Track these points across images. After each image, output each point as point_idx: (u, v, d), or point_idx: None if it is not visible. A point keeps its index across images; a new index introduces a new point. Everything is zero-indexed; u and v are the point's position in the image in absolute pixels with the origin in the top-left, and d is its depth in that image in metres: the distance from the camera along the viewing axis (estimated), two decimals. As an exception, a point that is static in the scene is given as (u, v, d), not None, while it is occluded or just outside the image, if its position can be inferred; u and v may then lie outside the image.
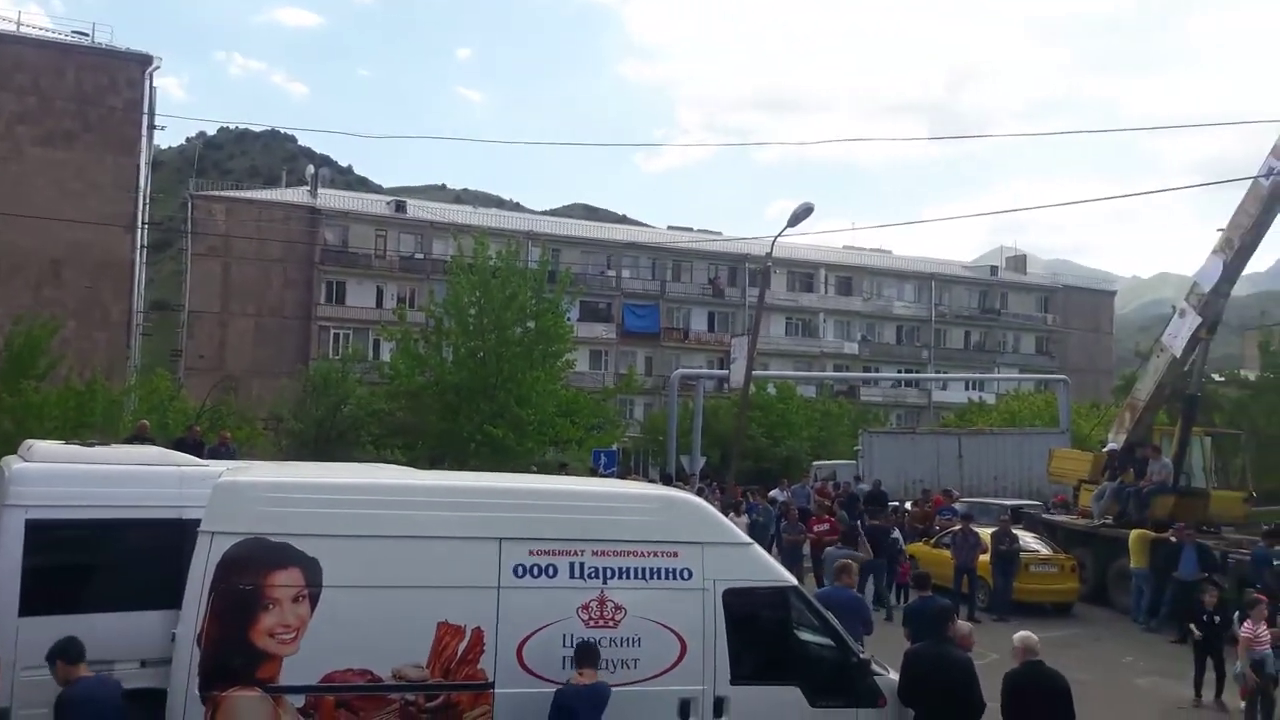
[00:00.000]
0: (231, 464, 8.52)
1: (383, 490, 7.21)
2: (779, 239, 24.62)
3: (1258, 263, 23.02)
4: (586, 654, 6.63)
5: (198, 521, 6.62)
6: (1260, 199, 18.33)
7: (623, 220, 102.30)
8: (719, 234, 70.28)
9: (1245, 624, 11.42)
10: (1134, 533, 17.84)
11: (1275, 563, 15.68)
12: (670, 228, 75.19)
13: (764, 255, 26.48)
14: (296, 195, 57.60)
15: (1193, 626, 12.55)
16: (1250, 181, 18.74)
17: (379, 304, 53.70)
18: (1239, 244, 18.84)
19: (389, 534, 6.71)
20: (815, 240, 68.90)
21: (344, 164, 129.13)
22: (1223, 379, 45.15)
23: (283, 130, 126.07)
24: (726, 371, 33.03)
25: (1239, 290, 22.13)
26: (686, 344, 61.02)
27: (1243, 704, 11.40)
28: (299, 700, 6.37)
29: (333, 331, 53.35)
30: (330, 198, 59.15)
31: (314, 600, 6.46)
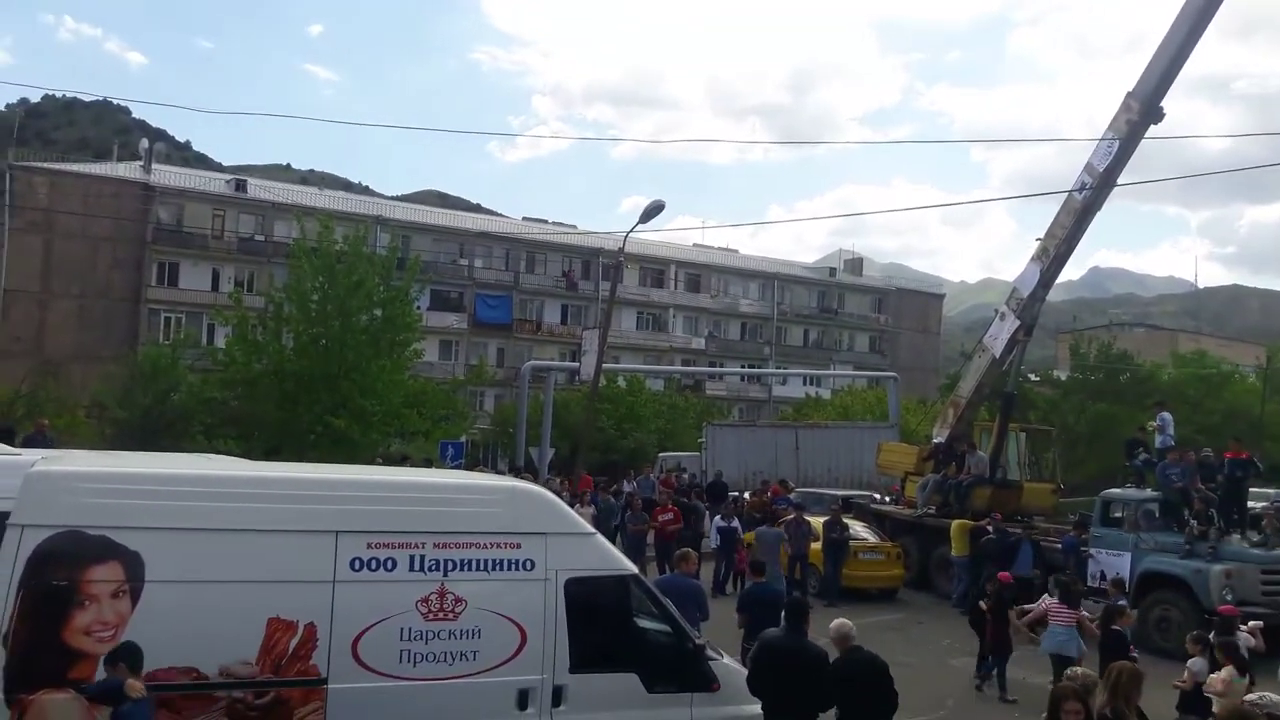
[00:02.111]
0: (47, 453, 8.03)
1: (211, 481, 6.92)
2: (631, 234, 24.91)
3: (1071, 271, 24.81)
4: None
5: (6, 514, 6.24)
6: (1074, 211, 19.59)
7: (477, 209, 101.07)
8: (574, 227, 70.36)
9: (1045, 600, 12.50)
10: (955, 523, 18.96)
11: (1082, 550, 17.01)
12: (525, 219, 74.85)
13: (617, 250, 26.75)
14: (128, 170, 54.36)
15: (982, 604, 13.42)
16: (1066, 195, 20.09)
17: (215, 287, 51.21)
18: (1055, 253, 20.06)
19: (217, 527, 6.49)
20: (667, 237, 70.22)
21: (181, 139, 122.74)
22: (1037, 379, 48.54)
23: (116, 101, 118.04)
24: (578, 364, 33.20)
25: (1054, 296, 23.78)
26: (539, 336, 60.90)
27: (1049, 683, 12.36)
28: (117, 701, 6.10)
29: (164, 315, 50.64)
30: (165, 174, 56.03)
31: (135, 596, 6.19)
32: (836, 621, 7.83)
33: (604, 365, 27.47)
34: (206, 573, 6.40)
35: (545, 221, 73.40)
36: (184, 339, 37.85)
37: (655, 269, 66.07)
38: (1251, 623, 11.18)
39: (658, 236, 65.99)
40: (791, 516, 19.41)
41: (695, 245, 71.80)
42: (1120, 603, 11.95)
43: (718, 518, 20.66)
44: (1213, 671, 9.19)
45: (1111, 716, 6.39)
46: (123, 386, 29.65)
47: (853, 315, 73.96)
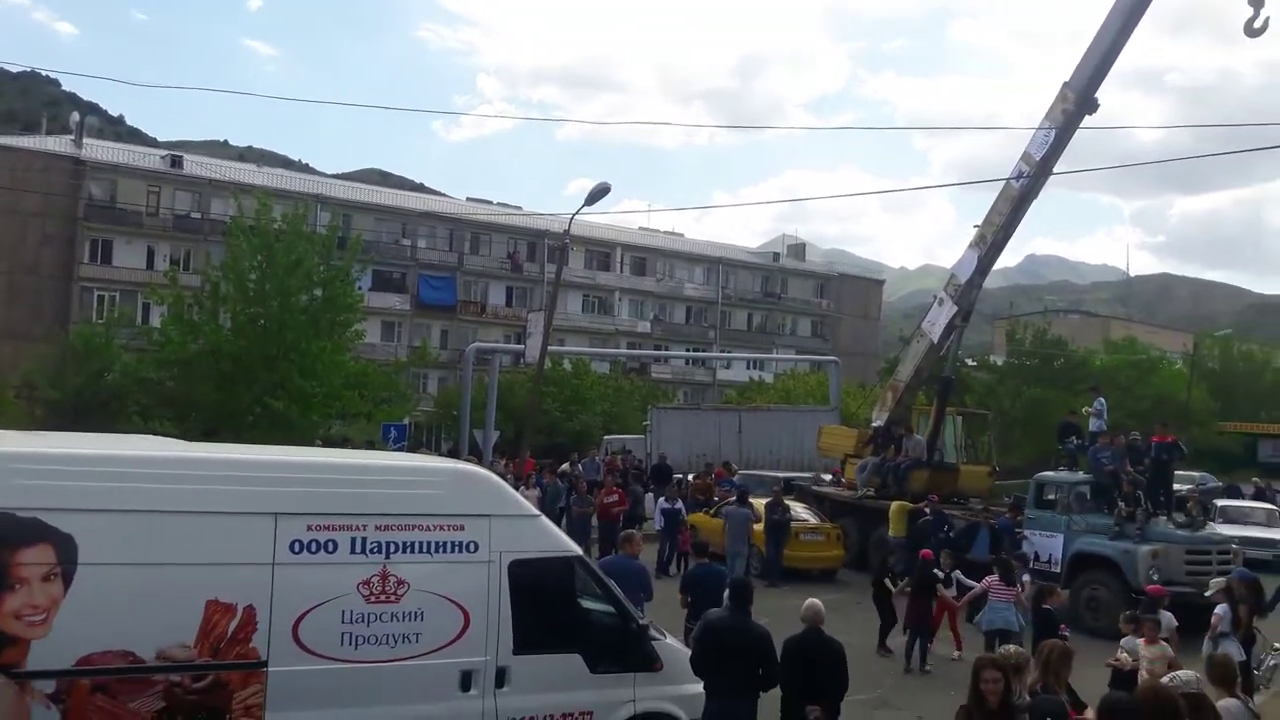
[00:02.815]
0: (-27, 435, 7.81)
1: (146, 462, 6.78)
2: (577, 217, 24.82)
3: (1008, 258, 25.28)
4: None
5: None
6: (1011, 199, 19.93)
7: (420, 189, 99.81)
8: (519, 208, 69.96)
9: (987, 578, 13.07)
10: (893, 504, 19.30)
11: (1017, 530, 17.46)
12: (469, 199, 74.15)
13: (562, 232, 26.65)
14: (58, 144, 52.68)
15: (888, 582, 13.94)
16: (1003, 183, 20.42)
17: (150, 265, 49.98)
18: (992, 240, 20.42)
19: (153, 508, 6.37)
20: (613, 220, 70.19)
21: (114, 113, 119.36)
22: (974, 364, 49.47)
23: (45, 73, 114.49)
24: (523, 346, 33.08)
25: (991, 283, 24.18)
26: (484, 318, 60.44)
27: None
28: (48, 685, 5.98)
29: (96, 293, 49.32)
30: (97, 149, 54.39)
31: (68, 579, 6.06)
32: (811, 601, 7.91)
33: (549, 348, 27.40)
34: (142, 555, 6.29)
35: (490, 202, 72.85)
36: (118, 318, 36.91)
37: (601, 252, 65.94)
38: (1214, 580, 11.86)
39: (604, 219, 65.90)
40: (735, 498, 19.63)
41: (641, 229, 71.80)
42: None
43: (662, 499, 20.79)
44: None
45: (1042, 692, 6.61)
46: (54, 366, 28.87)
47: (795, 300, 74.66)
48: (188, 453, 7.60)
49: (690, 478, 25.15)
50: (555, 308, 27.78)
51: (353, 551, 6.81)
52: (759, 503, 19.26)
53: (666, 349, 64.36)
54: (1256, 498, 29.55)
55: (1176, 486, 18.87)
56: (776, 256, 78.16)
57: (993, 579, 13.07)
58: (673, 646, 8.20)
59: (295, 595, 6.60)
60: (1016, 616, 12.33)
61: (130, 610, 6.20)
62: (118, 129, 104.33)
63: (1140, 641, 9.81)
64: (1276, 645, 10.91)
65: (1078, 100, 18.61)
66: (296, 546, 6.66)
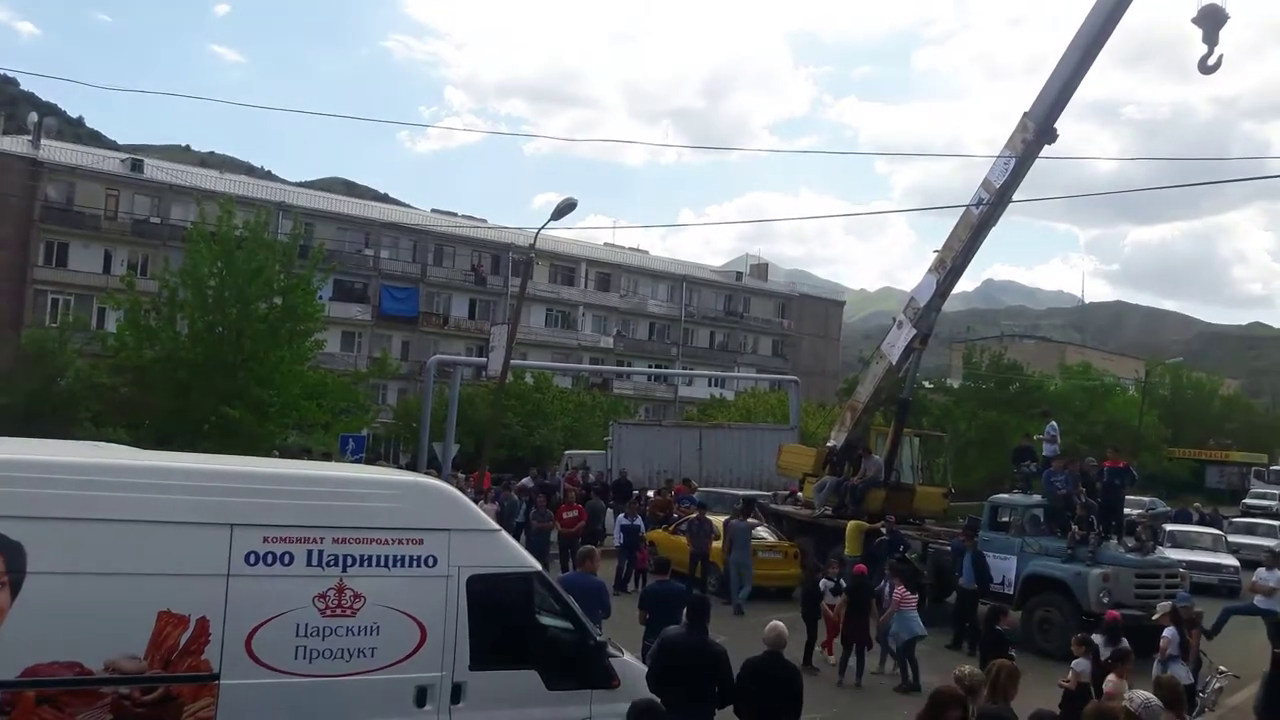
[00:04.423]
0: (-80, 439, 7.63)
1: (99, 470, 6.65)
2: (543, 231, 24.83)
3: (966, 283, 25.66)
4: None
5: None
6: (970, 225, 20.17)
7: (384, 199, 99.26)
8: (484, 221, 69.77)
9: (897, 590, 13.55)
10: (850, 523, 19.43)
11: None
12: (434, 211, 73.82)
13: (528, 246, 26.64)
14: (15, 145, 51.58)
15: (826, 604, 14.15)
16: (963, 209, 20.73)
17: (107, 269, 49.21)
18: (951, 265, 20.67)
19: (105, 517, 6.26)
20: (578, 235, 70.23)
21: (74, 115, 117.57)
22: (931, 386, 49.99)
23: (3, 72, 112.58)
24: (485, 359, 32.92)
25: (949, 307, 24.48)
26: (446, 330, 60.14)
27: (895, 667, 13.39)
28: (-8, 696, 5.85)
29: (51, 297, 48.42)
30: (56, 150, 53.38)
31: (15, 588, 5.94)
32: (773, 624, 7.89)
33: (512, 361, 27.31)
34: (93, 564, 6.18)
35: (455, 215, 72.56)
36: (72, 322, 36.25)
37: (566, 267, 65.95)
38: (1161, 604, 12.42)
39: (569, 234, 65.96)
40: (694, 515, 19.66)
41: (606, 245, 71.99)
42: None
43: (621, 515, 20.77)
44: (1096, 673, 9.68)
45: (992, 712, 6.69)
46: (4, 370, 28.26)
47: (757, 319, 75.19)
48: (141, 461, 7.47)
49: (651, 494, 25.14)
50: (519, 321, 27.69)
51: (309, 564, 6.74)
52: (719, 520, 19.31)
53: (629, 365, 64.43)
54: (1202, 523, 30.19)
55: (1127, 511, 19.18)
56: (739, 276, 78.72)
57: (900, 590, 13.64)
58: (630, 664, 8.18)
59: (249, 607, 6.51)
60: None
61: (79, 620, 6.09)
62: (77, 130, 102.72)
63: (1087, 663, 10.00)
64: (1222, 669, 11.15)
65: (1037, 130, 18.96)
66: (252, 558, 6.58)
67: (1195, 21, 16.42)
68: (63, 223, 49.81)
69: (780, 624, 7.91)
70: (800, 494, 23.37)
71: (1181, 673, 10.15)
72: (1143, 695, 6.53)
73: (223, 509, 6.59)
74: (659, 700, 6.95)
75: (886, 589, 14.07)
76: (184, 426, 24.72)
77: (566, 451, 39.54)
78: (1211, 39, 16.46)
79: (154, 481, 6.65)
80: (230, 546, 6.52)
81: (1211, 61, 16.59)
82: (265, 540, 6.63)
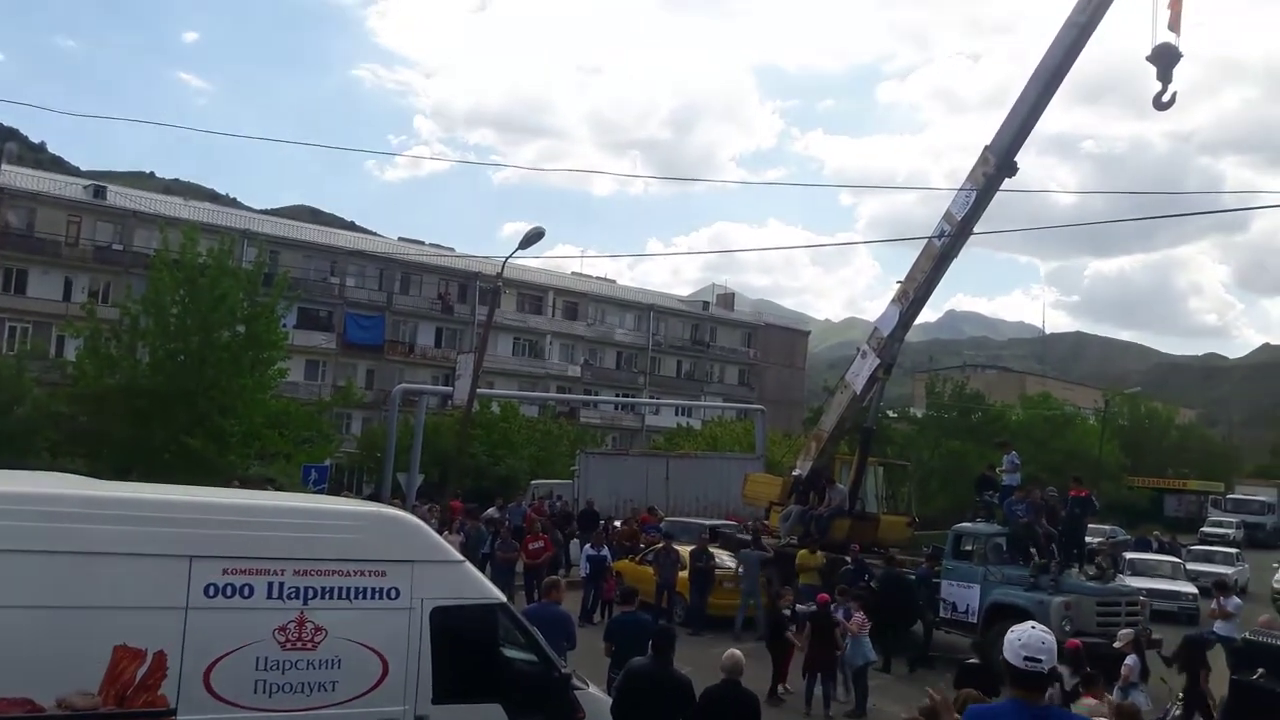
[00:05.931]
0: None
1: (54, 500, 6.55)
2: (510, 260, 24.82)
3: (929, 313, 25.96)
4: None
5: None
6: (933, 257, 20.39)
7: (351, 227, 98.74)
8: (451, 250, 69.59)
9: (855, 616, 13.91)
10: (800, 552, 19.33)
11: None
12: (401, 239, 73.56)
13: (495, 274, 26.61)
14: (-28, 169, 51.03)
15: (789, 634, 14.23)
16: (926, 241, 21.00)
17: (67, 297, 48.38)
18: (914, 296, 20.83)
19: (59, 549, 6.16)
20: (546, 264, 70.30)
21: (36, 140, 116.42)
22: (895, 415, 50.39)
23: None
24: (451, 388, 32.72)
25: (912, 337, 24.65)
26: (412, 359, 59.73)
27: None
28: (-61, 735, 5.72)
29: (9, 324, 47.47)
30: (15, 175, 52.56)
31: (-34, 623, 5.82)
32: (731, 652, 7.93)
33: (478, 390, 27.18)
34: (46, 597, 6.07)
35: (422, 243, 72.29)
36: (30, 350, 35.64)
37: (533, 295, 65.92)
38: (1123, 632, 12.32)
39: (537, 263, 66.05)
40: (661, 545, 19.59)
41: (574, 274, 72.04)
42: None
43: (588, 546, 20.66)
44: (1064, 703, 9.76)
45: None
46: (-43, 398, 27.61)
47: (724, 349, 75.54)
48: (99, 491, 7.34)
49: (618, 524, 25.03)
50: (486, 350, 27.60)
51: (269, 596, 6.66)
52: (685, 550, 19.26)
53: (596, 394, 64.33)
54: (1161, 551, 30.57)
55: (1088, 539, 19.36)
56: (706, 305, 79.09)
57: (859, 616, 13.96)
58: (595, 696, 8.14)
59: (208, 641, 6.42)
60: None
61: (31, 654, 5.97)
62: (39, 156, 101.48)
63: (1054, 690, 10.06)
64: (1180, 695, 11.27)
65: (998, 163, 19.27)
66: (211, 590, 6.50)
67: (1149, 59, 16.80)
68: (22, 248, 49.02)
69: (738, 652, 7.93)
70: (767, 523, 23.37)
71: (1142, 700, 10.26)
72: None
73: (181, 540, 6.50)
74: None
75: (841, 614, 14.14)
76: (144, 456, 24.33)
77: (533, 481, 39.30)
78: (1165, 76, 16.84)
79: (111, 513, 6.55)
80: (189, 578, 6.44)
81: (1166, 98, 16.96)
82: (225, 572, 6.55)
